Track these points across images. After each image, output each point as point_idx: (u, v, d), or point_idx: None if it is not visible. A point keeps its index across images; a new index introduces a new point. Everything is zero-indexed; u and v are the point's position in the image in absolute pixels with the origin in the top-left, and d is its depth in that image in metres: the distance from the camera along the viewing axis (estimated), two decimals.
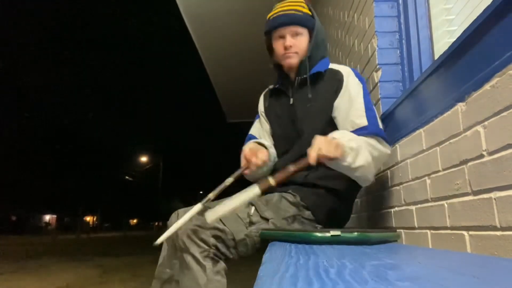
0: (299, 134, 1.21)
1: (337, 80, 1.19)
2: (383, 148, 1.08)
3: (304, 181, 1.16)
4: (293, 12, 1.22)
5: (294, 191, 1.14)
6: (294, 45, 1.21)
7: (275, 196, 1.13)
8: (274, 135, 1.34)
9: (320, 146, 0.93)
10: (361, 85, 1.17)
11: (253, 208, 1.07)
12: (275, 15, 1.25)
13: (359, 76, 1.21)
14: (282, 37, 1.22)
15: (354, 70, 1.23)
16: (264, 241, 1.08)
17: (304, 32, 1.22)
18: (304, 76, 1.22)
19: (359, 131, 1.07)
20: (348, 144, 0.98)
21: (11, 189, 26.88)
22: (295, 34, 1.22)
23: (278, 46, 1.24)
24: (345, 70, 1.22)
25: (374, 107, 1.15)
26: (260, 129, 1.39)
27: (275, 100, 1.33)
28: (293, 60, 1.22)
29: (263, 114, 1.38)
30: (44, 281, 3.72)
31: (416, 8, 1.33)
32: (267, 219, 1.06)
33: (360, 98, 1.15)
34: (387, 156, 1.11)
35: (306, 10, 1.24)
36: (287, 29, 1.21)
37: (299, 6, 1.23)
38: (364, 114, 1.12)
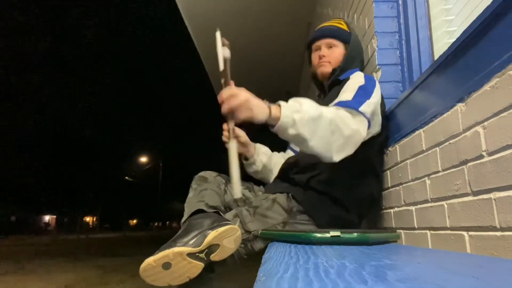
0: None
1: (345, 81, 1.19)
2: (354, 124, 0.96)
3: (306, 185, 1.14)
4: (329, 26, 1.34)
5: (294, 194, 1.12)
6: (327, 55, 1.30)
7: (268, 200, 1.12)
8: None
9: (234, 97, 0.85)
10: (364, 78, 1.12)
11: (238, 221, 1.07)
12: (314, 30, 1.37)
13: (367, 75, 1.18)
14: (319, 48, 1.33)
15: (366, 74, 1.20)
16: (264, 241, 1.08)
17: (339, 45, 1.31)
18: (329, 83, 1.29)
19: (336, 104, 1.00)
20: (292, 112, 0.87)
21: (11, 189, 26.86)
22: (330, 46, 1.31)
23: (314, 56, 1.35)
24: (355, 73, 1.21)
25: (372, 96, 1.04)
26: None
27: None
28: (325, 69, 1.30)
29: None
30: (44, 281, 3.72)
31: (416, 9, 1.33)
32: (249, 232, 1.06)
33: (358, 83, 1.09)
34: (359, 135, 0.98)
35: (343, 27, 1.34)
36: (323, 41, 1.32)
37: (336, 23, 1.35)
38: (353, 93, 1.03)
